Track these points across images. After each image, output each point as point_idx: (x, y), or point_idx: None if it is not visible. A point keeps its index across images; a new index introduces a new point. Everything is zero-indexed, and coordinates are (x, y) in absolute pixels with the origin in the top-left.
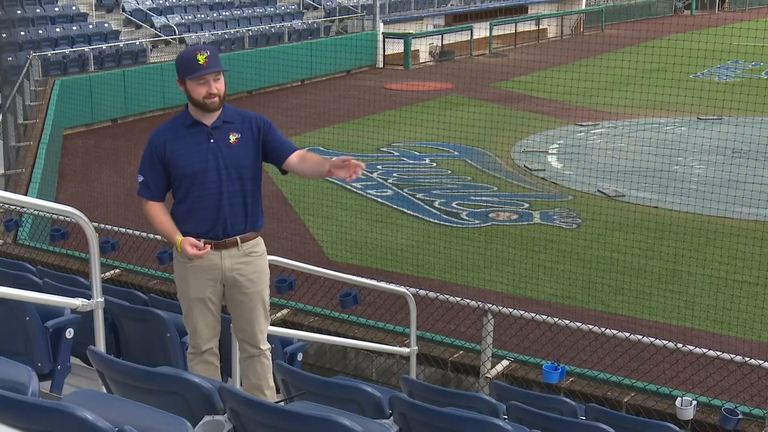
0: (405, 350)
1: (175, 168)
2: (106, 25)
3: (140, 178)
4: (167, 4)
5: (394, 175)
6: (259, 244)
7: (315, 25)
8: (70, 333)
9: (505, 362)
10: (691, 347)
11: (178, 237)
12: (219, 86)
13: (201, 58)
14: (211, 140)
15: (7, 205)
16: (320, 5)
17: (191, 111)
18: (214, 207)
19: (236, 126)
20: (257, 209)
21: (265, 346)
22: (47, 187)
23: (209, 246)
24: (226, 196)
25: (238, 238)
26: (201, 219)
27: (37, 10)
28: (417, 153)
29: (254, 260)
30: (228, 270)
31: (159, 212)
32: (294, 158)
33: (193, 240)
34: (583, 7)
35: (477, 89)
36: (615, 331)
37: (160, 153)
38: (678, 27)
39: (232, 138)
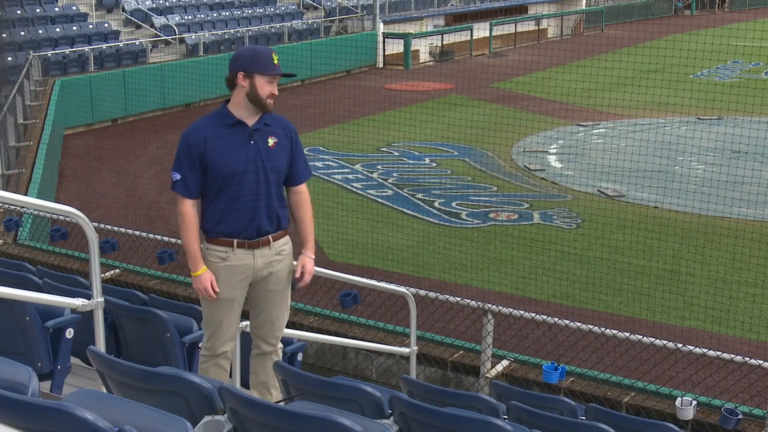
0: (405, 350)
1: (213, 167)
2: (106, 25)
3: (176, 176)
4: (167, 4)
5: (394, 175)
6: (288, 243)
7: (315, 25)
8: (70, 333)
9: (505, 362)
10: (691, 347)
11: (202, 268)
12: (276, 90)
13: (276, 59)
14: (252, 141)
15: (7, 205)
16: (320, 5)
17: (233, 109)
18: (251, 208)
19: (274, 130)
20: (285, 209)
21: (279, 345)
22: (47, 187)
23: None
24: (263, 198)
25: (270, 237)
26: (236, 219)
27: (37, 10)
28: (417, 153)
29: (284, 258)
30: (260, 269)
31: (194, 228)
32: (294, 194)
33: (211, 282)
34: (583, 7)
35: (477, 89)
36: (615, 331)
37: (200, 150)
38: (678, 27)
39: (271, 141)
